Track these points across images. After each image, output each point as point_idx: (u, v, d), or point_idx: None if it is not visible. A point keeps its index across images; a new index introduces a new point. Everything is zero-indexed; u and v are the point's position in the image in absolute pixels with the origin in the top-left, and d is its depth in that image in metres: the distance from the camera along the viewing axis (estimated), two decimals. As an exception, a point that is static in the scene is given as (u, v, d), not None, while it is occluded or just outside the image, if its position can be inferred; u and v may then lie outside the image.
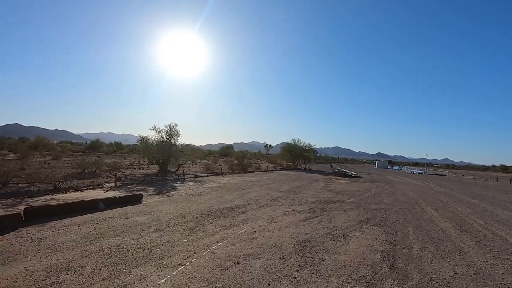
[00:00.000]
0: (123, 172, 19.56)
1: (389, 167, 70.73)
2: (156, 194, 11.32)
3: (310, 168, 41.02)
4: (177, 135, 21.55)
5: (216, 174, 22.50)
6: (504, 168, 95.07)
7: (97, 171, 18.71)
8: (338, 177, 26.16)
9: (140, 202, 9.48)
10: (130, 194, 10.17)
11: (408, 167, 65.30)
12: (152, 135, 20.91)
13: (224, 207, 9.15)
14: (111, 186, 13.05)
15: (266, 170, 32.05)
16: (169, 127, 21.15)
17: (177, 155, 21.00)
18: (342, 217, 8.46)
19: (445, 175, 43.82)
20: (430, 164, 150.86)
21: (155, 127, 20.79)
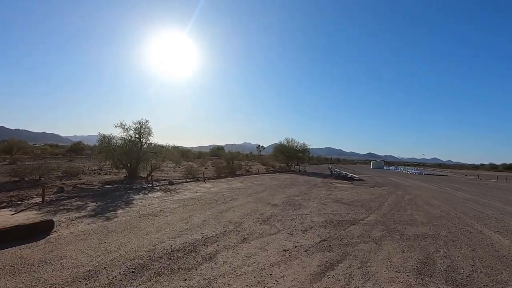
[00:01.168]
0: (79, 179, 15.75)
1: (384, 168, 68.27)
2: (90, 216, 7.63)
3: (305, 170, 37.76)
4: (149, 133, 17.84)
5: (198, 179, 18.89)
6: (493, 167, 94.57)
7: (43, 178, 14.85)
8: (338, 181, 22.90)
9: (48, 234, 5.84)
10: (36, 221, 6.46)
11: (405, 167, 62.95)
12: (118, 134, 17.16)
13: (181, 244, 5.56)
14: (37, 202, 9.30)
15: (257, 173, 28.54)
16: (139, 123, 17.42)
17: (148, 157, 17.27)
18: (380, 263, 4.96)
19: (447, 176, 41.25)
20: (421, 164, 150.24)
21: (121, 124, 17.02)
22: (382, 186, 19.66)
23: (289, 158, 36.78)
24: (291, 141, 36.79)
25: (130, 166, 17.12)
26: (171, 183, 15.95)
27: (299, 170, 37.53)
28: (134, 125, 17.21)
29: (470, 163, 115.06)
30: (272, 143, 38.62)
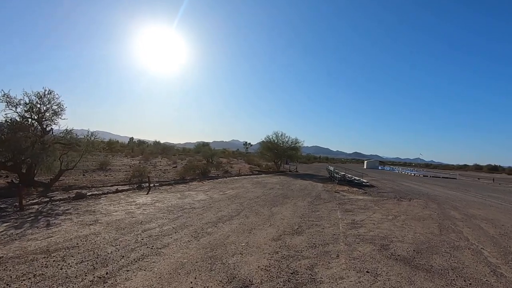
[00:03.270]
0: None
1: (379, 168, 63.39)
2: None
3: (296, 171, 31.67)
4: (57, 113, 11.10)
5: (140, 186, 12.34)
6: (478, 168, 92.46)
7: None
8: (345, 188, 16.84)
9: None
10: None
11: (403, 167, 58.24)
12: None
13: None
14: None
15: (238, 175, 22.17)
16: (37, 96, 10.62)
17: (50, 152, 10.51)
18: None
19: (456, 178, 36.22)
20: (412, 164, 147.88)
21: (4, 95, 10.19)
22: (412, 199, 13.69)
23: (278, 156, 30.57)
24: (281, 136, 30.59)
25: (19, 164, 10.35)
26: (80, 196, 9.32)
27: (290, 171, 31.42)
28: (26, 100, 10.36)
29: (455, 164, 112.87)
30: (261, 140, 32.20)
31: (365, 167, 63.13)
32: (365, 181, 20.53)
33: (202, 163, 24.68)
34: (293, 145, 30.60)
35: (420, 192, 16.77)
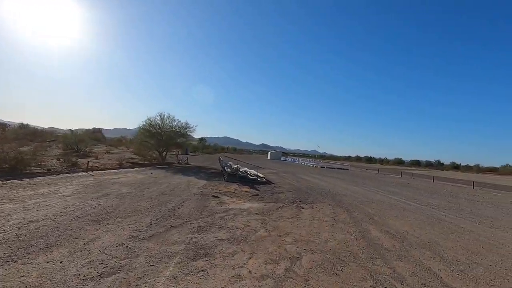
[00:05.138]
0: None
1: (282, 159, 64.08)
2: None
3: (187, 163, 25.87)
4: None
5: None
6: (358, 159, 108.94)
7: None
8: (233, 187, 12.25)
9: None
10: None
11: (303, 159, 60.12)
12: None
13: None
14: None
15: (87, 169, 14.78)
16: None
17: None
18: None
19: (348, 170, 37.82)
20: (305, 155, 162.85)
21: None
22: (315, 202, 9.99)
23: (163, 144, 24.02)
24: (167, 118, 24.03)
25: None
26: None
27: (179, 163, 25.41)
28: None
29: (341, 155, 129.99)
30: (141, 124, 24.70)
31: (269, 158, 62.65)
32: (261, 175, 16.55)
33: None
34: (182, 130, 24.51)
35: (322, 190, 13.64)
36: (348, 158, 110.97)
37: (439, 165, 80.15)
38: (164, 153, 24.89)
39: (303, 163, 47.41)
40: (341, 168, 38.23)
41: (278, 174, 21.46)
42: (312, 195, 11.86)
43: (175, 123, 24.44)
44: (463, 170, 68.56)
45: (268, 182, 15.03)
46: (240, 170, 16.83)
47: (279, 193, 11.89)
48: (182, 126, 24.75)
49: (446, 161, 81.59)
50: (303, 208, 8.93)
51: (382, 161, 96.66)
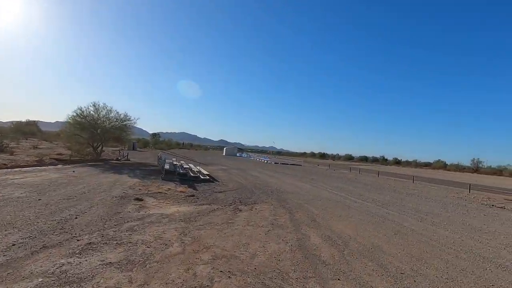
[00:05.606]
0: None
1: (237, 155, 63.05)
2: None
3: (127, 159, 23.23)
4: None
5: None
6: (313, 155, 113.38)
7: None
8: (167, 185, 10.68)
9: None
10: None
11: (258, 155, 59.79)
12: None
13: None
14: None
15: (14, 167, 11.88)
16: None
17: None
18: None
19: (301, 165, 38.15)
20: (262, 151, 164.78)
21: None
22: (256, 203, 8.95)
23: (98, 138, 21.08)
24: (103, 109, 21.10)
25: None
26: None
27: (118, 159, 22.69)
28: None
29: (298, 151, 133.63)
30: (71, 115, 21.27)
31: (224, 154, 61.18)
32: (205, 173, 15.09)
33: None
34: (120, 123, 21.76)
35: (269, 188, 12.72)
36: (304, 154, 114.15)
37: (383, 161, 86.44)
38: (100, 148, 21.94)
39: (257, 159, 46.90)
40: (294, 164, 38.38)
41: (228, 171, 20.21)
42: (256, 194, 10.83)
43: (112, 115, 21.63)
44: (404, 165, 74.72)
45: (211, 180, 13.67)
46: (184, 167, 15.20)
47: (219, 192, 10.63)
48: (121, 118, 22.03)
49: (390, 156, 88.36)
50: (240, 210, 7.79)
51: (334, 157, 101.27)
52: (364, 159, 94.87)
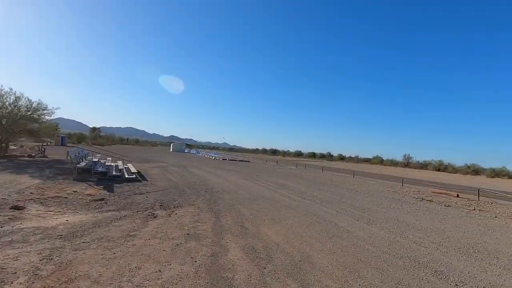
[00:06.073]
0: None
1: (186, 151, 60.15)
2: None
3: (44, 155, 19.66)
4: None
5: None
6: (265, 151, 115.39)
7: None
8: (77, 185, 8.68)
9: None
10: None
11: (208, 151, 57.75)
12: None
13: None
14: None
15: None
16: None
17: None
18: None
19: (249, 162, 37.54)
20: (219, 148, 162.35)
21: None
22: (180, 206, 7.59)
23: (2, 130, 17.25)
24: (7, 95, 17.27)
25: None
26: None
27: (32, 155, 19.04)
28: None
29: (250, 147, 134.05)
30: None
31: (171, 150, 57.76)
32: (133, 170, 13.11)
33: None
34: (29, 114, 18.10)
35: (205, 187, 11.41)
36: (256, 151, 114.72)
37: (329, 157, 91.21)
38: (5, 143, 18.07)
39: (206, 156, 45.05)
40: (242, 161, 37.58)
41: (166, 168, 18.30)
42: (185, 194, 9.45)
43: (22, 103, 17.93)
44: (347, 160, 79.70)
45: (138, 179, 11.83)
46: (100, 165, 13.02)
47: (140, 194, 9.00)
48: (34, 108, 18.39)
49: (335, 153, 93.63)
50: (155, 217, 6.37)
51: (285, 153, 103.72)
52: (312, 155, 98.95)
